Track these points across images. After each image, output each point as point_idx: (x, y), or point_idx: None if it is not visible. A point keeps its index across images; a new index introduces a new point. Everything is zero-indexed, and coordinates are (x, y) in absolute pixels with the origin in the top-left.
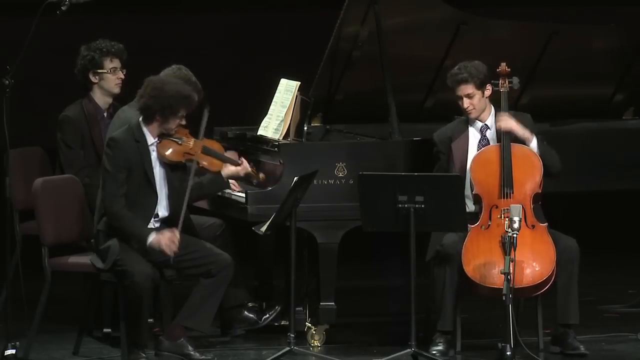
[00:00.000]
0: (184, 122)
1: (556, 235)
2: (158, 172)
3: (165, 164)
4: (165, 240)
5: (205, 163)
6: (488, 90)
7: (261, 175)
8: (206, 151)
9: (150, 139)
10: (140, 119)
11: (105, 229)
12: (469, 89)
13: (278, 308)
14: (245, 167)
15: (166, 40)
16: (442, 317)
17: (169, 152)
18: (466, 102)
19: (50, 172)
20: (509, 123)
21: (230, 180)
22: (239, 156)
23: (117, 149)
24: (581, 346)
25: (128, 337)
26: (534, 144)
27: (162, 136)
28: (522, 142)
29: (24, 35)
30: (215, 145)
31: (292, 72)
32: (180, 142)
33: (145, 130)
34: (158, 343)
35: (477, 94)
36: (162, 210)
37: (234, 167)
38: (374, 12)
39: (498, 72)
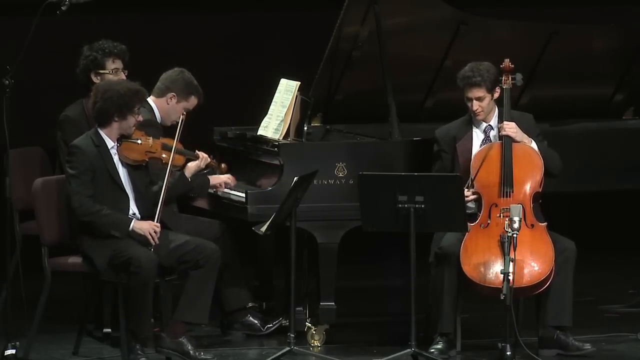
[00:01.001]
0: (140, 118)
1: (554, 237)
2: (122, 173)
3: (128, 165)
4: (147, 227)
5: (167, 158)
6: (497, 93)
7: (223, 165)
8: (166, 147)
9: (110, 143)
10: (97, 125)
11: (83, 233)
12: (480, 92)
13: (282, 319)
14: (204, 159)
15: (166, 40)
16: (441, 319)
17: (130, 153)
18: (475, 105)
19: (50, 172)
20: (512, 132)
21: (217, 182)
22: (197, 151)
23: (80, 154)
24: (586, 344)
25: (129, 332)
26: (533, 146)
27: (120, 139)
28: None
29: (24, 35)
30: (173, 142)
31: (292, 72)
32: (139, 142)
33: (103, 135)
34: (159, 339)
35: (487, 97)
36: (133, 211)
37: (194, 163)
38: (374, 12)
39: (501, 69)
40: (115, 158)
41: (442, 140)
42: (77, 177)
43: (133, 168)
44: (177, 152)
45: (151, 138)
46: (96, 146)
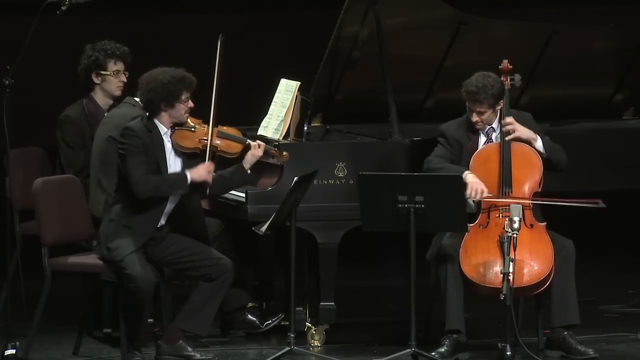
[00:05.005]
0: (191, 104)
1: (553, 236)
2: (172, 164)
3: (183, 154)
4: (203, 171)
5: (222, 145)
6: (499, 106)
7: (285, 153)
8: (221, 134)
9: (163, 129)
10: (147, 115)
11: (111, 216)
12: (482, 108)
13: (282, 315)
14: (260, 147)
15: (166, 40)
16: (448, 317)
17: (183, 140)
18: (475, 117)
19: (50, 172)
20: (516, 132)
21: None
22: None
23: (133, 136)
24: (589, 350)
25: (127, 337)
26: (539, 144)
27: (174, 127)
28: (527, 142)
29: (24, 35)
30: (231, 130)
31: (292, 72)
32: (193, 130)
33: (158, 123)
34: (157, 347)
35: (489, 112)
36: (171, 204)
37: (250, 154)
38: (374, 12)
39: (500, 70)
40: (168, 146)
41: (450, 137)
42: (132, 156)
43: (188, 157)
44: (225, 137)
45: (206, 126)
46: (149, 131)
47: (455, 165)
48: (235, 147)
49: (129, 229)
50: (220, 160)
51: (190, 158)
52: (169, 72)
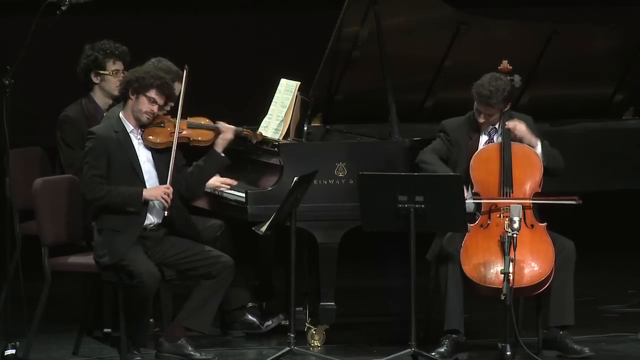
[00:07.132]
0: (155, 109)
1: (553, 237)
2: (144, 161)
3: (156, 151)
4: (159, 192)
5: (193, 135)
6: (507, 107)
7: (258, 132)
8: (191, 125)
9: (129, 127)
10: (120, 111)
11: (99, 226)
12: (492, 111)
13: (282, 317)
14: (230, 129)
15: (166, 41)
16: (447, 317)
17: (155, 137)
18: (483, 118)
19: (50, 172)
20: (521, 128)
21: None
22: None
23: (93, 139)
24: (585, 349)
25: (127, 335)
26: (538, 150)
27: (143, 126)
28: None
29: (24, 35)
30: (199, 119)
31: (292, 72)
32: (163, 125)
33: (124, 119)
34: (158, 345)
35: (497, 114)
36: (156, 203)
37: (221, 137)
38: (374, 12)
39: (499, 70)
40: (135, 143)
41: (451, 133)
42: (88, 162)
43: (159, 152)
44: (195, 127)
45: (174, 119)
46: (115, 132)
47: (445, 167)
48: (208, 135)
49: (119, 232)
50: (197, 151)
51: (163, 157)
52: (159, 67)
